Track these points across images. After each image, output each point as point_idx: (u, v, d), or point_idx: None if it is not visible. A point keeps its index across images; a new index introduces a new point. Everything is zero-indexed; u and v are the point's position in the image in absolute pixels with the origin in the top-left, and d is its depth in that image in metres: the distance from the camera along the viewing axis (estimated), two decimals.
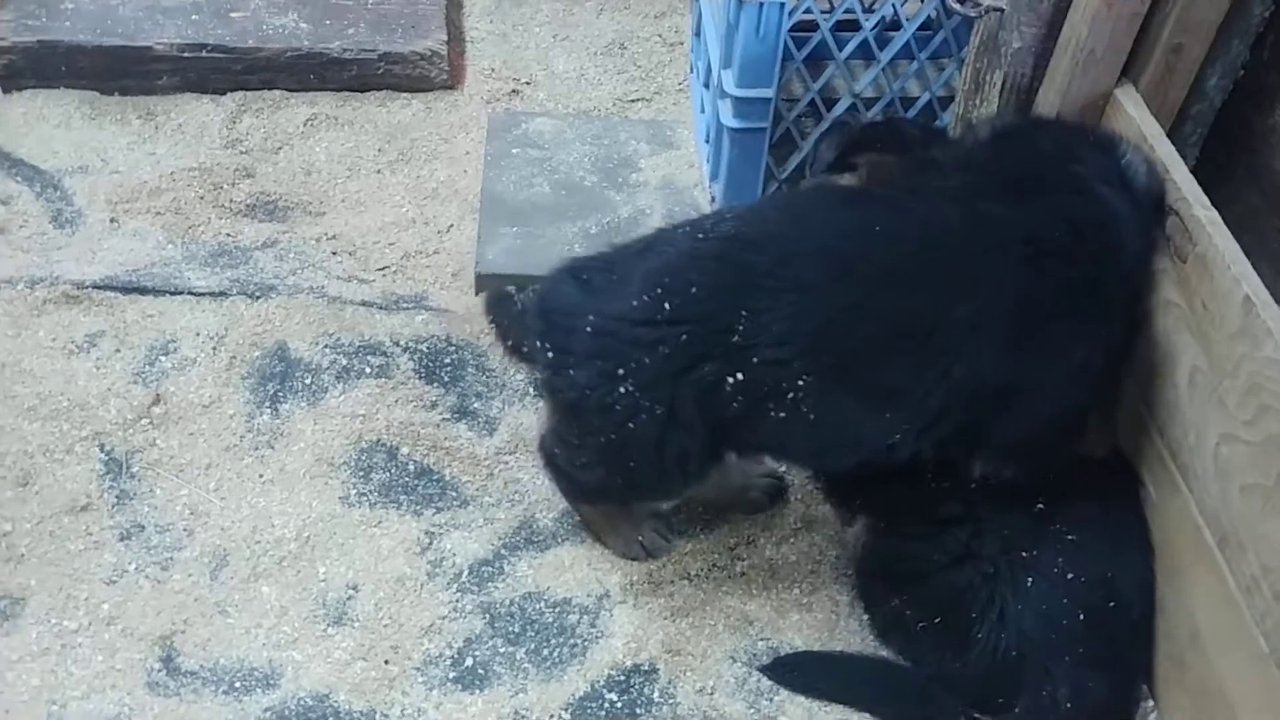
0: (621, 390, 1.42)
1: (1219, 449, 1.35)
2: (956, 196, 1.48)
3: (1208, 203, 1.44)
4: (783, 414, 1.39)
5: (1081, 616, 1.46)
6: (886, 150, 1.63)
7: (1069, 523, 1.51)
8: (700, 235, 1.46)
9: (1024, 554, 1.49)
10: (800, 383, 1.37)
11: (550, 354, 1.49)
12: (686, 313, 1.38)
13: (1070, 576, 1.48)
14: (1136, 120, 1.57)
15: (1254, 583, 1.28)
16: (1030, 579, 1.48)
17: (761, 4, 1.80)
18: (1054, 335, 1.40)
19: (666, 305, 1.39)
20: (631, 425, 1.43)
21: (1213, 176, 1.68)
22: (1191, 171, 1.71)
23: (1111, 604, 1.48)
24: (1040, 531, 1.50)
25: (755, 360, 1.36)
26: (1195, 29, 1.55)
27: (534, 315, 1.54)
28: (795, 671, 1.57)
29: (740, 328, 1.36)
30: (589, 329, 1.44)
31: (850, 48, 1.92)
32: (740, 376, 1.37)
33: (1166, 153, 1.52)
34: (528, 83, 2.55)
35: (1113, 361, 1.49)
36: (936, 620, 1.53)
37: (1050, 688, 1.46)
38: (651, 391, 1.41)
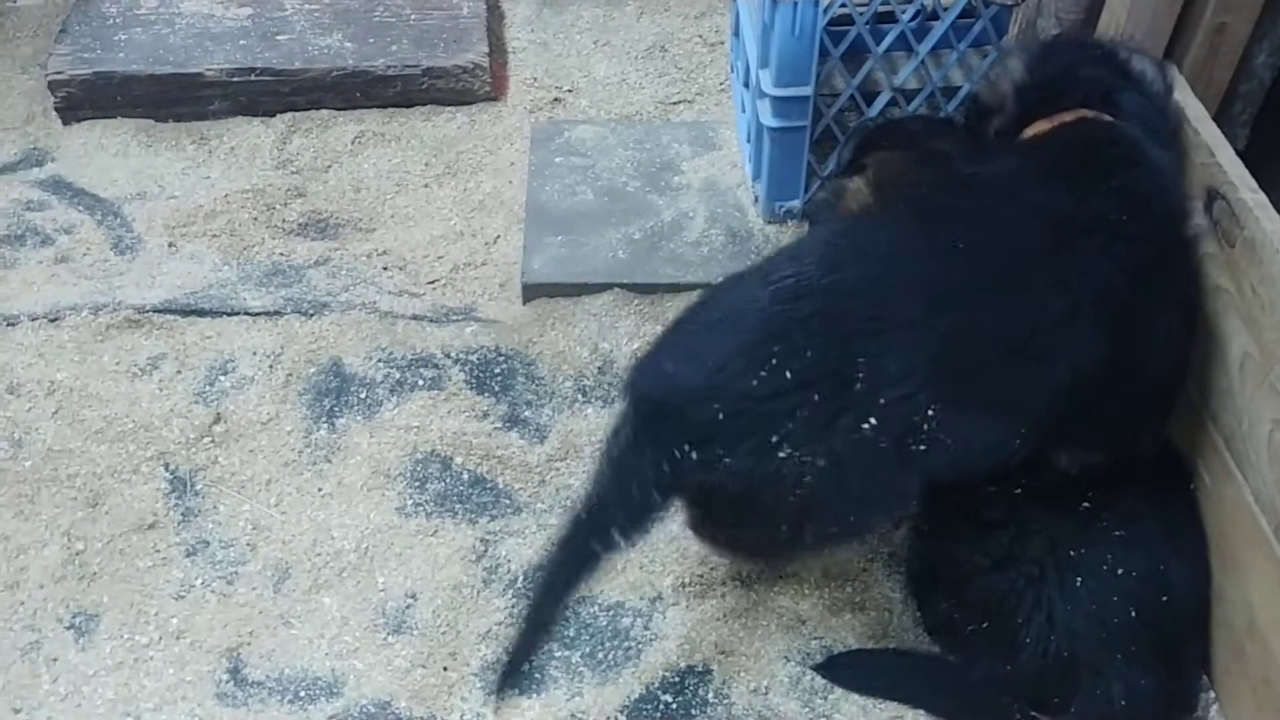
0: (783, 455, 1.37)
1: (1273, 435, 1.33)
2: (1004, 192, 1.46)
3: (1255, 185, 1.41)
4: (922, 446, 1.38)
5: (1133, 613, 1.44)
6: (893, 147, 1.62)
7: (1117, 519, 1.48)
8: (782, 296, 1.40)
9: (1071, 553, 1.47)
10: (929, 413, 1.36)
11: (694, 455, 1.38)
12: (809, 375, 1.35)
13: (1120, 573, 1.45)
14: (1181, 103, 1.55)
15: None
16: (1078, 579, 1.46)
17: (796, 2, 1.80)
18: (1138, 312, 1.40)
19: (787, 374, 1.35)
20: (810, 479, 1.38)
21: (1262, 157, 1.65)
22: (1244, 150, 1.69)
23: (1164, 598, 1.45)
24: (1087, 530, 1.48)
25: (883, 402, 1.35)
26: (1239, 7, 1.52)
27: (651, 436, 1.40)
28: (849, 670, 1.57)
29: (861, 375, 1.35)
30: (722, 415, 1.37)
31: (888, 41, 1.91)
32: (874, 420, 1.36)
33: (1212, 135, 1.49)
34: (570, 90, 2.57)
35: (1190, 320, 1.48)
36: (984, 624, 1.51)
37: (1104, 686, 1.44)
38: (811, 445, 1.37)
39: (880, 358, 1.35)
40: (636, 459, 1.40)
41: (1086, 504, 1.50)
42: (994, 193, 1.47)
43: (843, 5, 1.84)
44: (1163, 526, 1.50)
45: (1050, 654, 1.45)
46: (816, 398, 1.35)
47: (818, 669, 1.57)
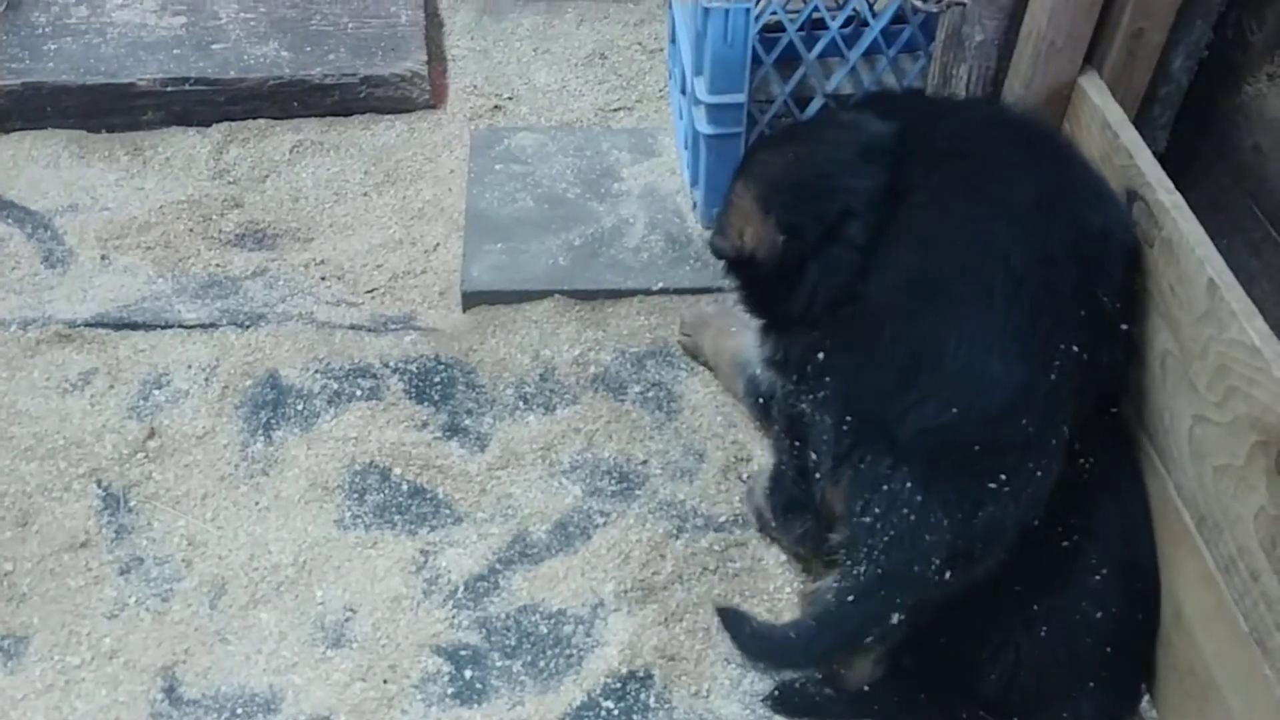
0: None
1: (1192, 431, 1.36)
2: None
3: (1171, 187, 1.44)
4: None
5: (1106, 647, 1.43)
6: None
7: (1096, 558, 1.44)
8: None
9: (1042, 603, 1.43)
10: None
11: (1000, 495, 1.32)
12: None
13: (1097, 616, 1.43)
14: (1101, 108, 1.58)
15: (1231, 562, 1.29)
16: (1048, 628, 1.42)
17: (727, 10, 1.81)
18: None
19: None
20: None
21: (1183, 157, 1.70)
22: (1163, 153, 1.73)
23: (1136, 624, 1.45)
24: (1064, 574, 1.44)
25: None
26: (1154, 13, 1.56)
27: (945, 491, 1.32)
28: (800, 702, 1.55)
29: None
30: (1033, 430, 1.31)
31: (820, 47, 1.93)
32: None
33: (1131, 139, 1.52)
34: (510, 98, 2.57)
35: None
36: (946, 650, 1.47)
37: (1072, 709, 1.44)
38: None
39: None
40: (925, 526, 1.30)
41: (1066, 543, 1.45)
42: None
43: (773, 13, 1.85)
44: (1135, 557, 1.47)
45: (1017, 683, 1.43)
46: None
47: (769, 703, 1.55)
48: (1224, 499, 1.30)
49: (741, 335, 1.80)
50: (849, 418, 1.36)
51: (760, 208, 1.54)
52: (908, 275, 1.41)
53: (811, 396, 1.42)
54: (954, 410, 1.29)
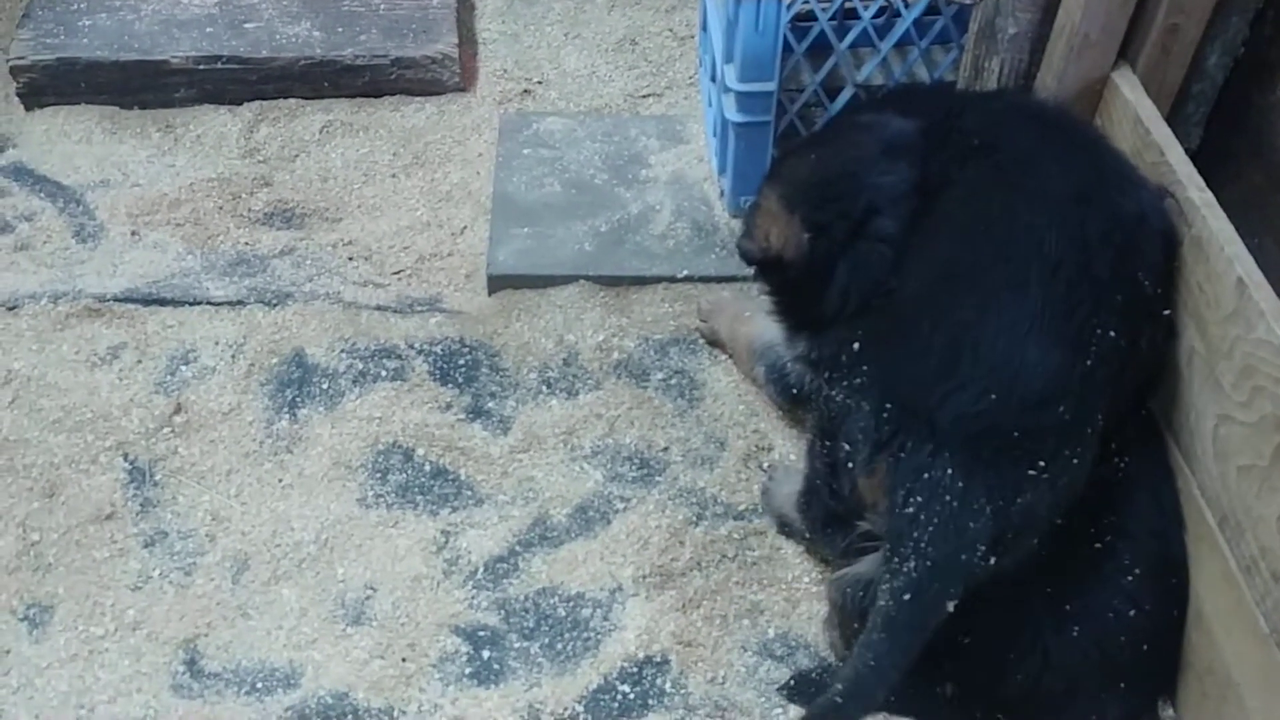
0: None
1: (1217, 430, 1.35)
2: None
3: (1202, 184, 1.43)
4: None
5: (1135, 649, 1.42)
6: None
7: (1129, 559, 1.44)
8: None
9: (1073, 604, 1.42)
10: None
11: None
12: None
13: (1130, 614, 1.41)
14: (1133, 103, 1.57)
15: (1253, 563, 1.28)
16: (1078, 628, 1.42)
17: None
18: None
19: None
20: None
21: (1217, 154, 1.68)
22: (1197, 150, 1.71)
23: (1164, 628, 1.44)
24: (1095, 574, 1.44)
25: None
26: (1191, 9, 1.54)
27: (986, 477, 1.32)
28: (817, 692, 1.52)
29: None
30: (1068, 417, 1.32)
31: (851, 37, 1.92)
32: None
33: (1163, 136, 1.51)
34: (539, 82, 2.57)
35: None
36: (969, 649, 1.45)
37: (1099, 711, 1.44)
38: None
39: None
40: (968, 513, 1.30)
41: (1099, 544, 1.44)
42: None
43: (805, 2, 1.85)
44: (1169, 555, 1.45)
45: (1042, 685, 1.42)
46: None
47: (784, 692, 1.56)
48: (1247, 499, 1.29)
49: (757, 320, 1.81)
50: (889, 405, 1.35)
51: (785, 207, 1.55)
52: (944, 266, 1.41)
53: (846, 384, 1.41)
54: (993, 396, 1.29)
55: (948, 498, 1.29)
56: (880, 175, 1.49)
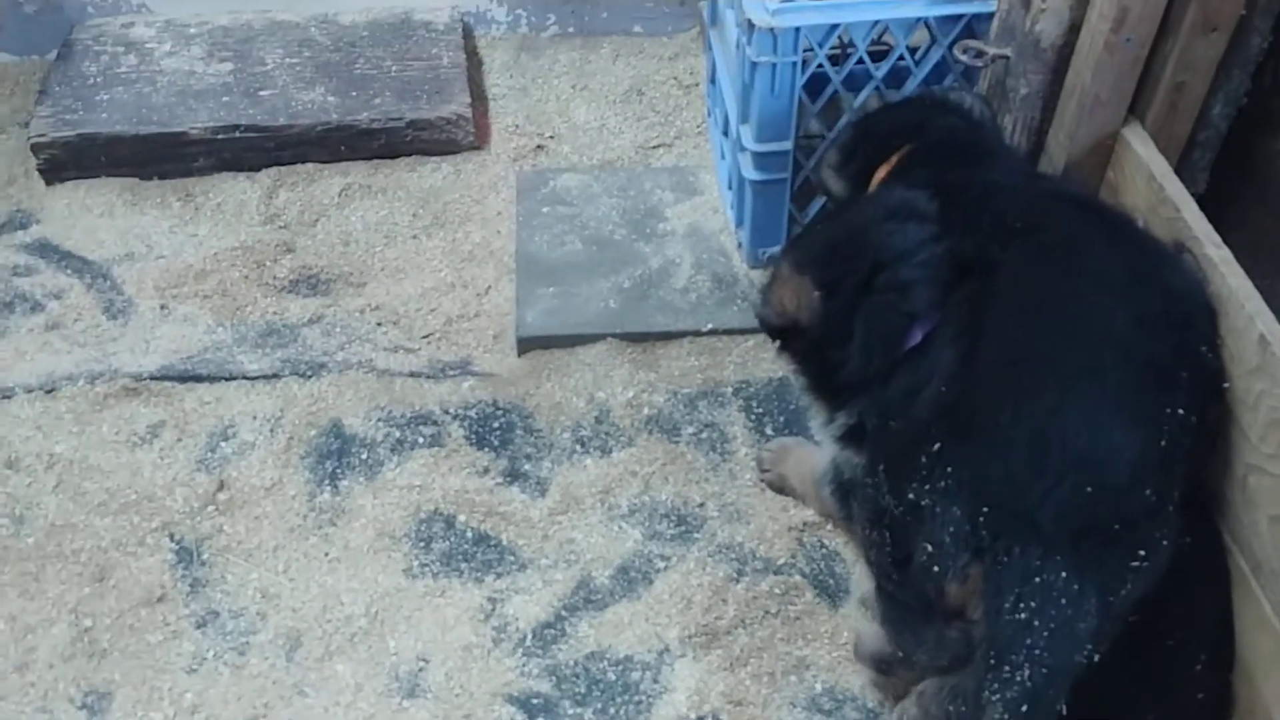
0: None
1: (1246, 480, 1.39)
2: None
3: (1219, 240, 1.48)
4: None
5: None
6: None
7: (1188, 640, 1.45)
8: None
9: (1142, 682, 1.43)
10: None
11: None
12: None
13: (1194, 692, 1.44)
14: (1145, 159, 1.61)
15: None
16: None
17: (774, 64, 1.85)
18: None
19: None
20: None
21: (1223, 198, 1.73)
22: (1203, 194, 1.76)
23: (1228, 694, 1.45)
24: (1159, 654, 1.44)
25: None
26: (1197, 67, 1.59)
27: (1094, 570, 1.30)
28: None
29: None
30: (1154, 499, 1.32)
31: (863, 96, 1.97)
32: None
33: (1176, 191, 1.56)
34: (551, 136, 2.62)
35: None
36: None
37: None
38: None
39: None
40: (1080, 614, 1.27)
41: (1171, 640, 1.44)
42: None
43: (819, 66, 1.89)
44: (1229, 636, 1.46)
45: None
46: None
47: None
48: None
49: (815, 453, 1.80)
50: (985, 508, 1.30)
51: (797, 272, 1.59)
52: (1014, 352, 1.39)
53: (929, 488, 1.35)
54: (1089, 490, 1.28)
55: (1062, 600, 1.26)
56: (886, 234, 1.52)
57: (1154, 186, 1.60)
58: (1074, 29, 1.61)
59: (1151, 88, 1.63)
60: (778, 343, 1.66)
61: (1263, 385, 1.36)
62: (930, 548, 1.34)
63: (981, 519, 1.30)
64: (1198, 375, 1.38)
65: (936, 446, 1.36)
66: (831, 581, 1.78)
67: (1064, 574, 1.27)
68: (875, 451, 1.51)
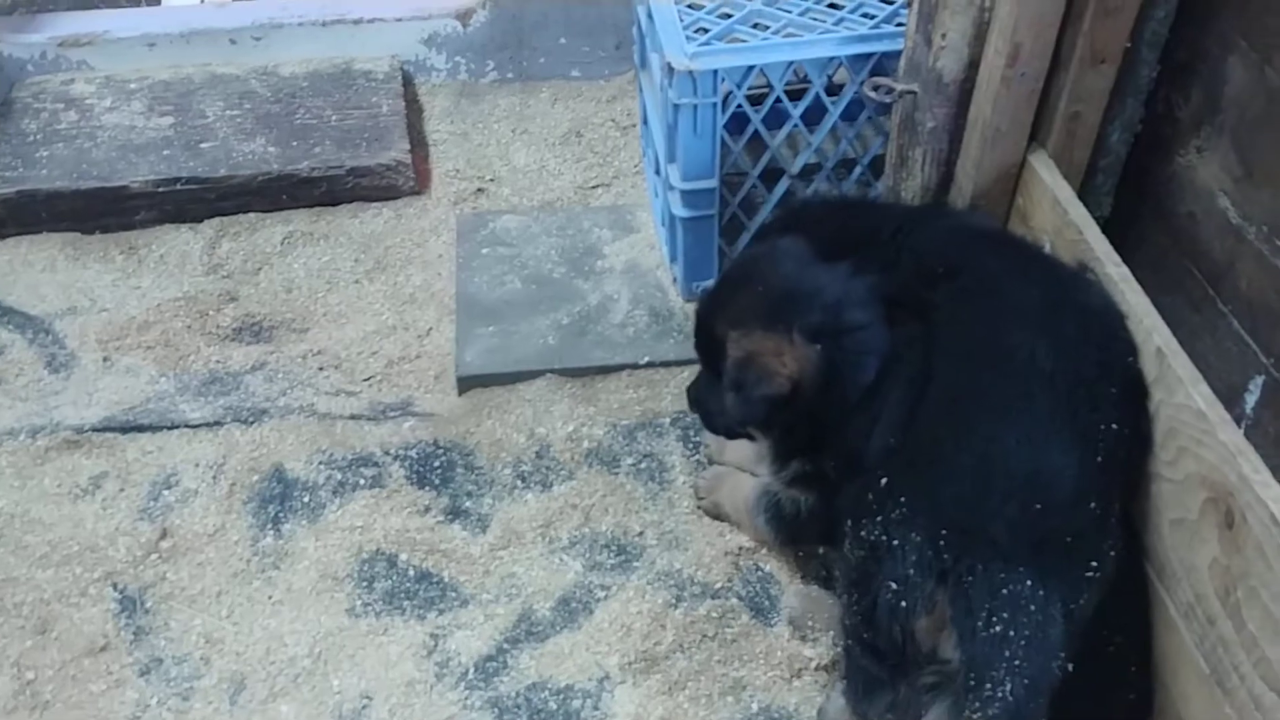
0: None
1: (1149, 486, 1.46)
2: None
3: (1119, 260, 1.55)
4: None
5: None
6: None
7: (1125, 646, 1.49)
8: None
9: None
10: None
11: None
12: None
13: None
14: (1050, 185, 1.69)
15: (1190, 609, 1.38)
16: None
17: (695, 105, 1.92)
18: None
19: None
20: None
21: (1126, 220, 1.81)
22: (1108, 218, 1.84)
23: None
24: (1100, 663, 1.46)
25: None
26: (1089, 97, 1.67)
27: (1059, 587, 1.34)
28: None
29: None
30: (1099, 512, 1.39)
31: (783, 135, 2.04)
32: None
33: (1079, 215, 1.63)
34: (492, 179, 2.67)
35: None
36: None
37: None
38: None
39: None
40: (1050, 621, 1.32)
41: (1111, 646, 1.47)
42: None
43: (739, 107, 1.96)
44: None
45: None
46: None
47: None
48: (1180, 550, 1.39)
49: (749, 482, 1.83)
50: (943, 530, 1.33)
51: (783, 335, 1.51)
52: (950, 391, 1.44)
53: (882, 519, 1.38)
54: (1037, 506, 1.33)
55: (1031, 608, 1.30)
56: (818, 279, 1.54)
57: (1059, 211, 1.67)
58: (973, 65, 1.69)
59: (1050, 118, 1.71)
60: (771, 421, 1.57)
61: (1160, 395, 1.43)
62: (894, 585, 1.36)
63: (941, 541, 1.34)
64: (1126, 387, 1.45)
65: (884, 481, 1.41)
66: (767, 603, 1.82)
67: (1029, 583, 1.31)
68: (843, 504, 1.50)
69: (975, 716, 1.29)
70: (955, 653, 1.34)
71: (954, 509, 1.35)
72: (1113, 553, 1.39)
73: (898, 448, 1.44)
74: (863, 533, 1.41)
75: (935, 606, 1.34)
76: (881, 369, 1.49)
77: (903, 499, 1.38)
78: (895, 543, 1.36)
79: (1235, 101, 1.54)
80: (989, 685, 1.29)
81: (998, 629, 1.29)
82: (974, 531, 1.33)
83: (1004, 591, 1.30)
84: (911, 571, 1.34)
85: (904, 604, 1.35)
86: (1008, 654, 1.29)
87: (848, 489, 1.50)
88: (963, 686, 1.32)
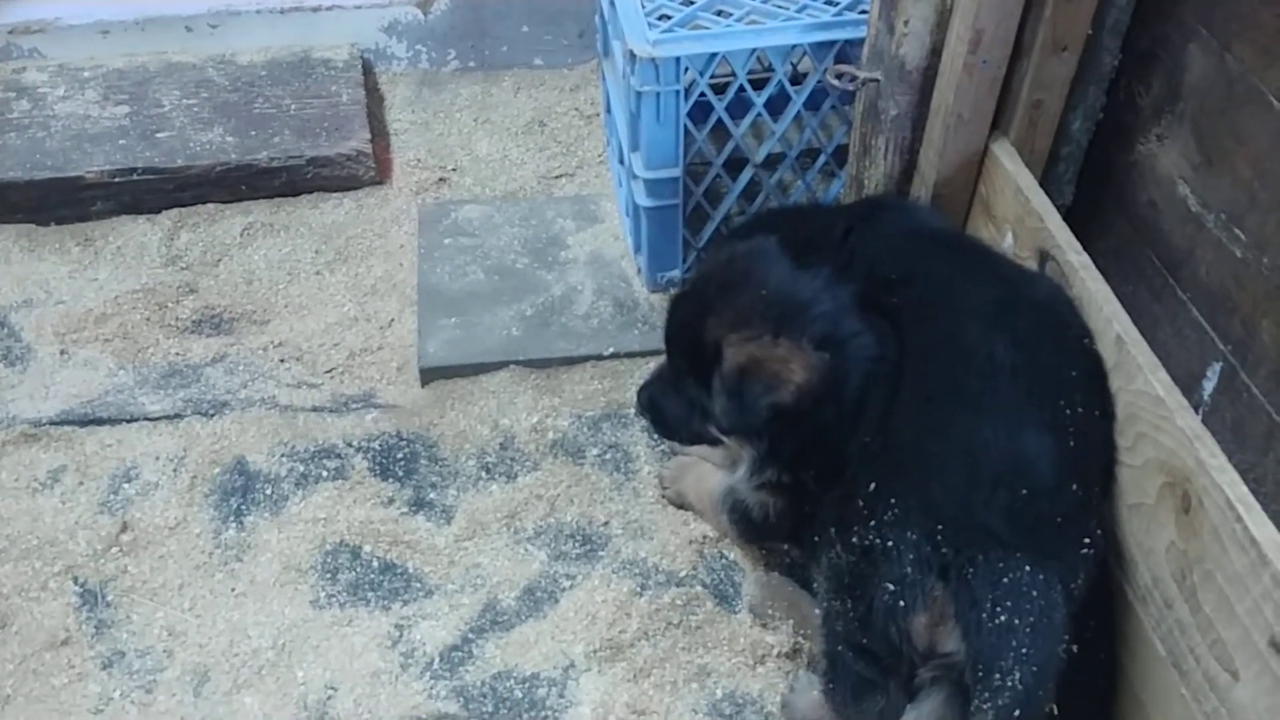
0: None
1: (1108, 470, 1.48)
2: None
3: (1079, 248, 1.57)
4: None
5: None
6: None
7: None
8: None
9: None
10: None
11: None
12: None
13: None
14: (1013, 173, 1.70)
15: (1147, 592, 1.40)
16: None
17: (658, 93, 1.92)
18: None
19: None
20: None
21: (1088, 209, 1.83)
22: (1070, 205, 1.86)
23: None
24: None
25: None
26: (1051, 85, 1.69)
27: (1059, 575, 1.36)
28: None
29: None
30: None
31: (746, 124, 2.04)
32: None
33: (1041, 203, 1.65)
34: (454, 169, 2.65)
35: None
36: None
37: None
38: None
39: None
40: (1053, 606, 1.33)
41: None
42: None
43: (702, 95, 1.96)
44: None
45: None
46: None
47: None
48: (1138, 534, 1.41)
49: (715, 475, 1.82)
50: (940, 526, 1.34)
51: (793, 342, 1.48)
52: (922, 391, 1.46)
53: (875, 523, 1.38)
54: (1024, 492, 1.35)
55: (1034, 593, 1.31)
56: (809, 284, 1.53)
57: (1021, 199, 1.68)
58: (935, 52, 1.70)
59: (1012, 106, 1.72)
60: (765, 435, 1.54)
61: (1119, 381, 1.45)
62: (892, 586, 1.37)
63: (939, 537, 1.35)
64: (1085, 370, 1.47)
65: (872, 486, 1.41)
66: (731, 590, 1.83)
67: (1028, 568, 1.33)
68: (827, 512, 1.51)
69: (985, 708, 1.30)
70: (958, 646, 1.35)
71: (947, 504, 1.36)
72: (1099, 530, 1.41)
73: (878, 450, 1.46)
74: (854, 539, 1.41)
75: (934, 602, 1.35)
76: (869, 374, 1.50)
77: (893, 500, 1.39)
78: (890, 544, 1.37)
79: (1196, 89, 1.56)
80: (998, 675, 1.30)
81: (1002, 619, 1.31)
82: (971, 523, 1.34)
83: (1005, 580, 1.32)
84: (909, 570, 1.35)
85: (902, 603, 1.36)
86: (1014, 643, 1.30)
87: (830, 498, 1.51)
88: (970, 679, 1.33)
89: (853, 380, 1.48)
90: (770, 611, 1.79)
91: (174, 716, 1.67)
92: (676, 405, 1.67)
